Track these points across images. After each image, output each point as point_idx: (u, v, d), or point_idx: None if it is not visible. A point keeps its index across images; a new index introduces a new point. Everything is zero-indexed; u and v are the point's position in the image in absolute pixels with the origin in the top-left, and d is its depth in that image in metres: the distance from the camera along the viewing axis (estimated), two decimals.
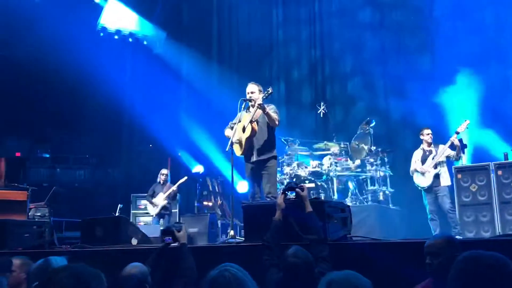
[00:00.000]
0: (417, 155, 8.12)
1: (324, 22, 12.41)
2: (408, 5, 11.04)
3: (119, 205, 9.95)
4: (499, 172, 7.45)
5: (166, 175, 10.18)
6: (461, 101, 9.66)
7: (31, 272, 3.13)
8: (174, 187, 9.90)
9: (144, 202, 10.47)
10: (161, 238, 4.33)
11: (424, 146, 8.06)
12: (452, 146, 7.75)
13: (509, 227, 7.27)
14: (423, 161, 7.95)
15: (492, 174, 7.45)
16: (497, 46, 9.86)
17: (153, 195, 9.93)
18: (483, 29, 9.90)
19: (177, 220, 9.77)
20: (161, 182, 10.08)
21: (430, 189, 7.84)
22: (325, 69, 12.22)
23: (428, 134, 8.02)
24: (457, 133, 7.67)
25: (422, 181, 7.92)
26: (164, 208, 9.80)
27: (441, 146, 7.85)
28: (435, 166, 7.77)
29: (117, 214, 9.45)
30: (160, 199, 9.80)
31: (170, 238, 4.23)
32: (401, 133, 10.58)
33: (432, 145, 7.98)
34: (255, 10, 13.33)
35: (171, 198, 9.96)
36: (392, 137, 10.57)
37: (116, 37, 13.33)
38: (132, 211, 10.38)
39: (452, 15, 10.29)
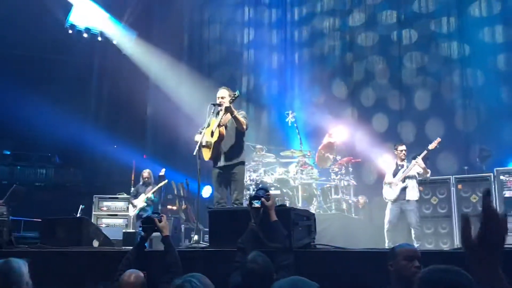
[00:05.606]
0: (390, 168, 8.25)
1: (294, 29, 12.56)
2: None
3: (81, 206, 9.74)
4: (459, 186, 7.66)
5: (147, 177, 9.79)
6: None
7: None
8: (152, 191, 9.56)
9: (106, 203, 10.26)
10: (142, 227, 4.30)
11: (398, 160, 8.17)
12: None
13: None
14: (395, 174, 8.06)
15: (452, 188, 7.64)
16: None
17: (136, 195, 9.67)
18: None
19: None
20: (144, 183, 9.78)
21: (395, 202, 7.96)
22: (294, 77, 12.33)
23: (402, 151, 8.08)
24: (428, 150, 7.86)
25: (389, 193, 8.05)
26: (143, 210, 9.44)
27: (413, 161, 7.97)
28: (403, 180, 7.90)
29: (78, 215, 9.25)
30: (140, 201, 9.53)
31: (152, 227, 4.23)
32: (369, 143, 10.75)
33: (405, 160, 8.07)
34: (227, 13, 13.38)
35: (151, 200, 9.74)
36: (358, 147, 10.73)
37: (85, 35, 13.14)
38: (94, 213, 10.14)
39: None
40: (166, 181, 9.91)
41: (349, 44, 11.63)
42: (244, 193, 7.69)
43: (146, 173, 9.89)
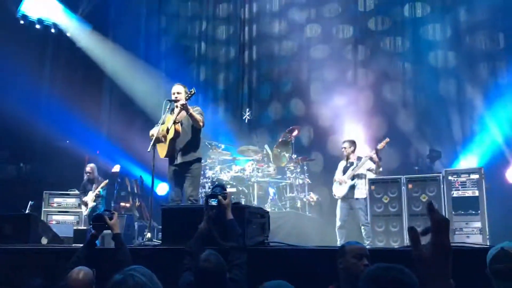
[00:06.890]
0: (340, 165, 8.47)
1: (253, 27, 12.54)
2: None
3: (30, 202, 9.45)
4: (410, 186, 7.83)
5: (90, 172, 9.65)
6: None
7: None
8: (97, 191, 9.49)
9: (57, 200, 10.00)
10: (93, 225, 4.21)
11: (345, 157, 8.39)
12: (372, 160, 8.16)
13: None
14: (345, 171, 8.29)
15: (403, 187, 7.82)
16: None
17: (85, 193, 9.52)
18: None
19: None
20: (89, 179, 9.63)
21: (344, 199, 8.20)
22: (252, 74, 12.32)
23: (341, 148, 8.43)
24: (377, 149, 8.09)
25: (338, 190, 8.27)
26: (93, 209, 9.24)
27: (363, 158, 8.20)
28: (352, 178, 8.11)
29: (27, 211, 8.97)
30: (90, 199, 9.39)
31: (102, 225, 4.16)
32: (322, 142, 10.86)
33: (356, 158, 8.30)
34: (185, 8, 13.25)
35: (101, 197, 9.57)
36: (313, 146, 10.85)
37: (37, 26, 12.70)
38: (44, 209, 9.85)
39: None
40: (107, 181, 9.73)
41: (306, 60, 11.68)
42: (200, 190, 7.67)
43: (88, 167, 9.78)
